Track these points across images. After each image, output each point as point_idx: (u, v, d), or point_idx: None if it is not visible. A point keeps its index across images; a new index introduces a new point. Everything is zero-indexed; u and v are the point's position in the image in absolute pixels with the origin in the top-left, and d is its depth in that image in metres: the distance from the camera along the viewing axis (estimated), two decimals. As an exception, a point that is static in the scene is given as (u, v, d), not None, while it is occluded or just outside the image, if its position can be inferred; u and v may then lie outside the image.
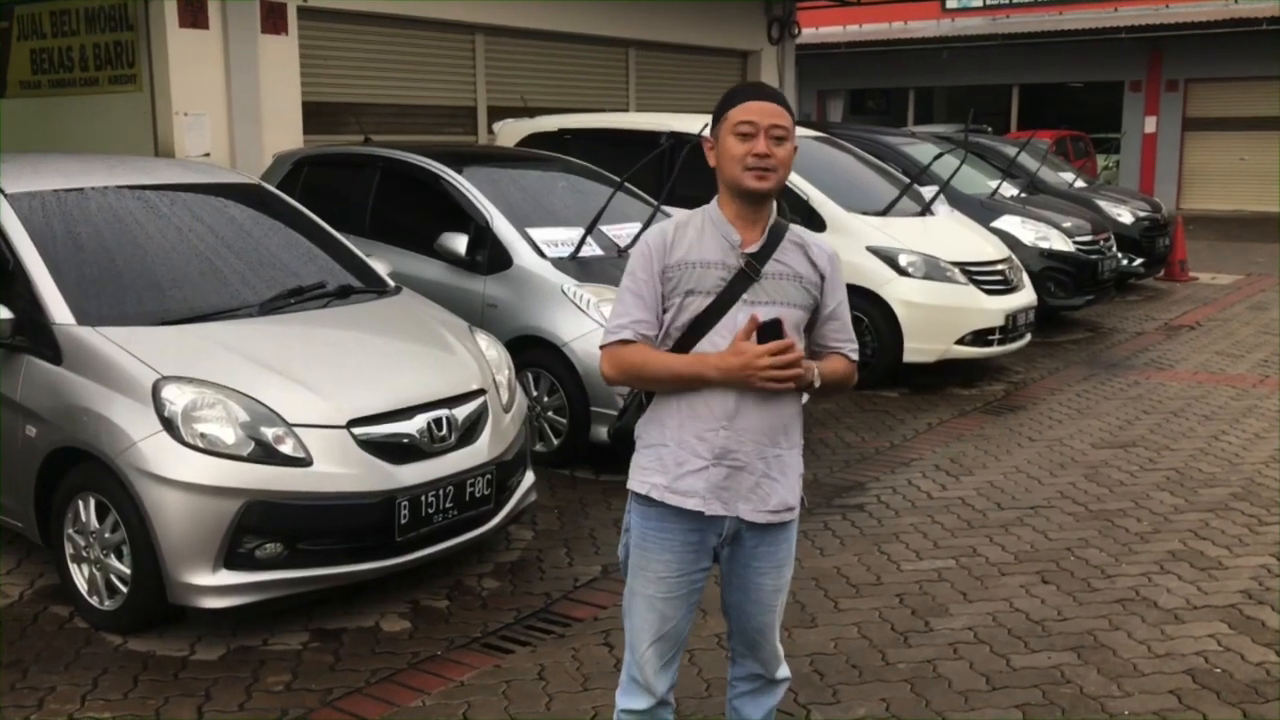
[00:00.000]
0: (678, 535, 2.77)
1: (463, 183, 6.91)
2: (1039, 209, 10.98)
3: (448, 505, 4.46)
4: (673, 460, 2.74)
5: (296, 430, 4.18)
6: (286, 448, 4.15)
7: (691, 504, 2.72)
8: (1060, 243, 10.29)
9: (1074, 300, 10.39)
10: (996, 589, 4.76)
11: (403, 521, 4.30)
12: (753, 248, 2.72)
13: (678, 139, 7.89)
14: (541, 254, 6.52)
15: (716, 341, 2.68)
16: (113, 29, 9.13)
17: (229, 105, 9.04)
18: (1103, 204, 12.60)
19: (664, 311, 2.74)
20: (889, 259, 8.19)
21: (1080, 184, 13.61)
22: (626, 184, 7.09)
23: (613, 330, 2.76)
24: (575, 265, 6.51)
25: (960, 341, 8.20)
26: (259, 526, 4.06)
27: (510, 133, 9.73)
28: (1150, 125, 24.87)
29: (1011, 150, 12.83)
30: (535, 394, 6.31)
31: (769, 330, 2.63)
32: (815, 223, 8.23)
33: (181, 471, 4.03)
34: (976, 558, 5.10)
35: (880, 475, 6.30)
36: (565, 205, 7.17)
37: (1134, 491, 5.99)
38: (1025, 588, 4.76)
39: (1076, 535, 5.36)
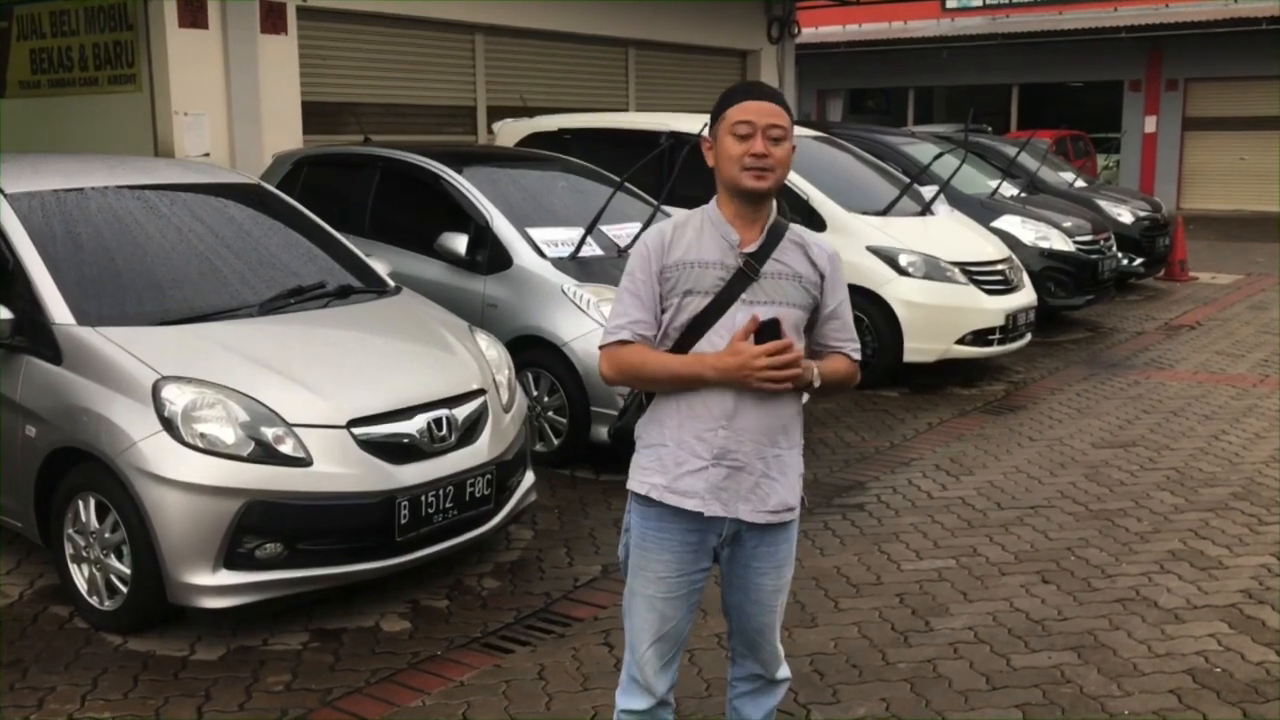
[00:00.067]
0: (677, 535, 2.76)
1: (463, 183, 6.90)
2: (1039, 209, 10.97)
3: (448, 505, 4.46)
4: (672, 460, 2.73)
5: (296, 430, 4.18)
6: (286, 448, 4.15)
7: (690, 504, 2.72)
8: (1060, 242, 10.28)
9: (1074, 300, 10.38)
10: (997, 588, 4.76)
11: (403, 521, 4.30)
12: (751, 247, 2.71)
13: (677, 139, 7.88)
14: (541, 254, 6.52)
15: (715, 341, 2.68)
16: (112, 29, 9.13)
17: (229, 105, 9.04)
18: (1103, 204, 12.59)
19: (663, 312, 2.74)
20: (889, 259, 8.19)
21: (1080, 184, 13.61)
22: (626, 184, 7.09)
23: (611, 331, 2.76)
24: (575, 265, 6.51)
25: (960, 341, 8.20)
26: (259, 526, 4.06)
27: (510, 132, 9.73)
28: (1150, 125, 24.86)
29: (1011, 150, 12.83)
30: (535, 394, 6.31)
31: (767, 330, 2.62)
32: (815, 222, 8.22)
33: (181, 471, 4.03)
34: (977, 557, 5.10)
35: (880, 475, 6.30)
36: (565, 205, 7.16)
37: (1134, 491, 5.99)
38: (1025, 587, 4.76)
39: (1077, 535, 5.36)
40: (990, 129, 17.66)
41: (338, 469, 4.19)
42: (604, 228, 6.76)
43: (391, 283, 5.58)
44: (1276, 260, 15.63)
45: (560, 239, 6.66)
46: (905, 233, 8.46)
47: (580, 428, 6.21)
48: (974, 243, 8.80)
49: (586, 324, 6.08)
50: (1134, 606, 4.57)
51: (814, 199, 8.49)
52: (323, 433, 4.21)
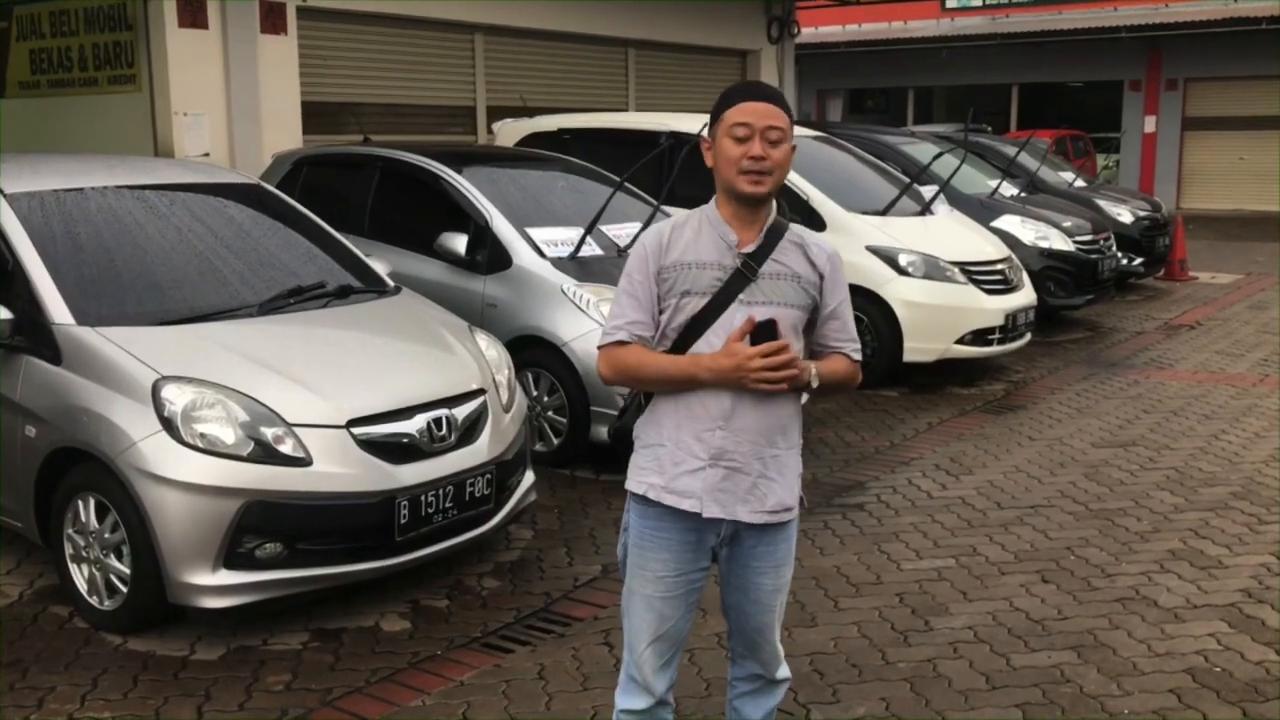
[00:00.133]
0: (676, 535, 2.76)
1: (462, 182, 6.90)
2: (1039, 208, 10.97)
3: (447, 505, 4.46)
4: (669, 460, 2.73)
5: (296, 430, 4.18)
6: (286, 448, 4.15)
7: (688, 505, 2.72)
8: (1060, 242, 10.28)
9: (1074, 300, 10.38)
10: (996, 588, 4.76)
11: (402, 521, 4.30)
12: (749, 248, 2.71)
13: (677, 139, 7.88)
14: (541, 254, 6.52)
15: (713, 342, 2.68)
16: (112, 29, 9.13)
17: (228, 105, 9.04)
18: (1102, 203, 12.59)
19: (661, 312, 2.74)
20: (889, 259, 8.19)
21: (1080, 183, 13.61)
22: (626, 184, 7.09)
23: (609, 331, 2.76)
24: (575, 265, 6.51)
25: (960, 341, 8.20)
26: (259, 526, 4.06)
27: (509, 132, 9.73)
28: (1150, 124, 24.86)
29: (1011, 150, 12.83)
30: (535, 394, 6.31)
31: (763, 331, 2.62)
32: (815, 222, 8.22)
33: (181, 471, 4.03)
34: (976, 557, 5.10)
35: (880, 474, 6.30)
36: (565, 205, 7.16)
37: (1134, 491, 5.99)
38: (1025, 587, 4.76)
39: (1076, 534, 5.36)
40: (990, 129, 17.67)
41: (337, 469, 4.20)
42: (604, 228, 6.76)
43: (391, 283, 5.58)
44: (1276, 260, 15.63)
45: (560, 239, 6.66)
46: (905, 232, 8.46)
47: (580, 427, 6.21)
48: (974, 242, 8.80)
49: (586, 324, 6.08)
50: (1134, 606, 4.57)
51: (814, 199, 8.49)
52: (322, 432, 4.21)
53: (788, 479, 2.79)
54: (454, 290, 6.50)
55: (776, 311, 2.68)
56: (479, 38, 11.54)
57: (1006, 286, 8.52)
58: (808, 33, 20.03)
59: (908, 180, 9.30)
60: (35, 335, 4.47)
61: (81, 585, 4.36)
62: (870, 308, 8.02)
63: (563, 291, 6.30)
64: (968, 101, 20.45)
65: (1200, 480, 6.15)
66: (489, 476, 4.63)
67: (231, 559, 4.06)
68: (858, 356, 2.84)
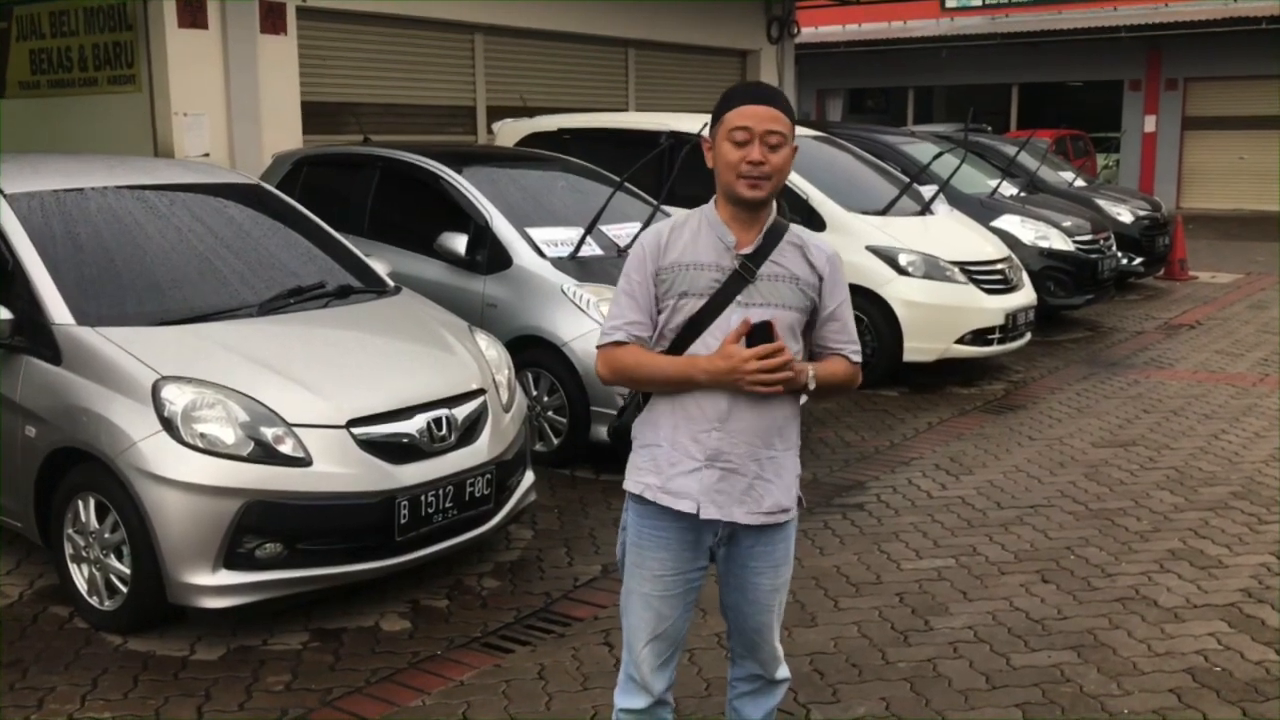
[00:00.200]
0: (673, 534, 2.77)
1: (462, 183, 6.90)
2: (1039, 208, 10.97)
3: (447, 505, 4.46)
4: (666, 461, 2.74)
5: (296, 430, 4.18)
6: (286, 448, 4.15)
7: (683, 505, 2.72)
8: (1060, 242, 10.28)
9: (1074, 299, 10.38)
10: (996, 588, 4.76)
11: (402, 521, 4.30)
12: (748, 249, 2.70)
13: (677, 139, 7.88)
14: (541, 254, 6.52)
15: (710, 343, 2.68)
16: (112, 29, 9.13)
17: (228, 105, 9.05)
18: (1102, 203, 12.59)
19: (659, 313, 2.73)
20: (889, 258, 8.19)
21: (1080, 183, 13.61)
22: (626, 184, 7.09)
23: (607, 332, 2.76)
24: (575, 265, 6.51)
25: (960, 341, 8.20)
26: (259, 526, 4.06)
27: (510, 132, 9.73)
28: (1150, 124, 24.87)
29: (1011, 149, 12.83)
30: (535, 394, 6.31)
31: (759, 333, 2.61)
32: (815, 222, 8.23)
33: (181, 471, 4.03)
34: (976, 556, 5.10)
35: (880, 474, 6.30)
36: (565, 205, 7.16)
37: (1134, 490, 5.99)
38: (1025, 586, 4.76)
39: (1076, 534, 5.36)
40: (990, 128, 17.67)
41: (337, 469, 4.20)
42: (604, 227, 6.76)
43: (391, 283, 5.58)
44: (1276, 259, 15.63)
45: (560, 239, 6.66)
46: (905, 232, 8.46)
47: (580, 427, 6.21)
48: (974, 242, 8.81)
49: (586, 324, 6.08)
50: (1134, 605, 4.57)
51: (814, 199, 8.49)
52: (322, 433, 4.21)
53: (785, 480, 2.78)
54: (454, 290, 6.50)
55: (774, 313, 2.67)
56: (479, 38, 11.54)
57: (1006, 286, 8.52)
58: (808, 33, 20.04)
59: (908, 180, 9.30)
60: (35, 335, 4.47)
61: (81, 585, 4.36)
62: (870, 307, 8.02)
63: (563, 291, 6.30)
64: (968, 101, 20.46)
65: (1200, 480, 6.15)
66: (489, 476, 4.63)
67: (231, 559, 4.06)
68: (857, 358, 2.83)
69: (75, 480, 4.32)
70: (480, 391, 4.78)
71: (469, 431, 4.63)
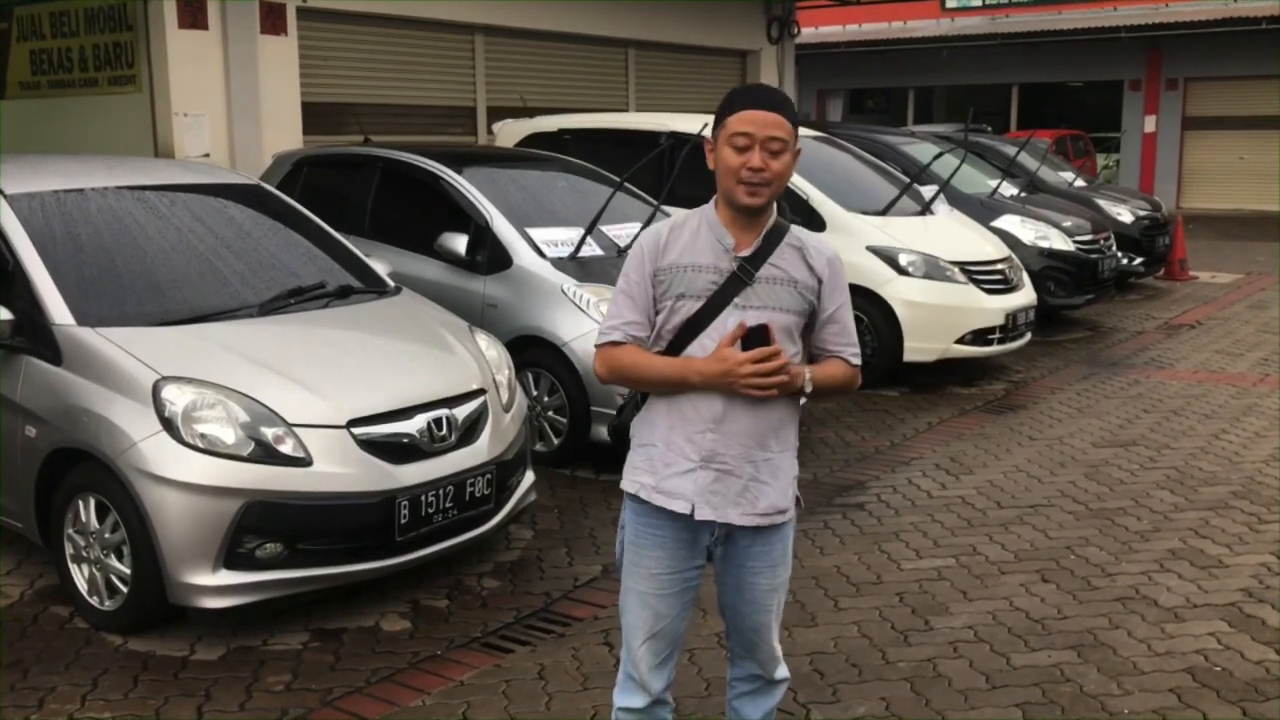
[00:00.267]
0: (670, 532, 2.77)
1: (462, 183, 6.91)
2: (1039, 208, 10.98)
3: (448, 505, 4.46)
4: (661, 461, 2.74)
5: (296, 430, 4.18)
6: (286, 448, 4.15)
7: (678, 506, 2.72)
8: (1060, 242, 10.28)
9: (1074, 299, 10.39)
10: (996, 587, 4.76)
11: (403, 521, 4.30)
12: (747, 251, 2.70)
13: (677, 139, 7.89)
14: (541, 254, 6.52)
15: (706, 345, 2.67)
16: (112, 30, 9.13)
17: (228, 106, 9.05)
18: (1102, 203, 12.59)
19: (656, 313, 2.73)
20: (889, 258, 8.19)
21: (1080, 183, 13.61)
22: (626, 184, 7.09)
23: (604, 331, 2.77)
24: (575, 265, 6.51)
25: (960, 341, 8.20)
26: (259, 526, 4.06)
27: (510, 133, 9.73)
28: (1150, 124, 24.87)
29: (1011, 150, 12.83)
30: (535, 394, 6.32)
31: (754, 336, 2.61)
32: (815, 222, 8.23)
33: (181, 472, 4.03)
34: (976, 556, 5.10)
35: (880, 474, 6.30)
36: (565, 205, 7.17)
37: (1134, 490, 5.99)
38: (1025, 586, 4.76)
39: (1076, 534, 5.36)
40: (990, 129, 17.66)
41: (338, 469, 4.20)
42: (604, 228, 6.77)
43: (391, 283, 5.58)
44: (1276, 259, 15.63)
45: (560, 239, 6.66)
46: (905, 232, 8.46)
47: (580, 427, 6.21)
48: (974, 242, 8.81)
49: (586, 324, 6.08)
50: (1134, 605, 4.57)
51: (814, 199, 8.49)
52: (323, 433, 4.21)
53: (781, 482, 2.78)
54: (454, 290, 6.50)
55: (771, 316, 2.66)
56: (479, 38, 11.54)
57: (1007, 286, 8.53)
58: (808, 33, 20.04)
59: (908, 180, 9.30)
60: (35, 336, 4.47)
61: (82, 585, 4.36)
62: (870, 307, 8.02)
63: (563, 291, 6.31)
64: (968, 101, 20.45)
65: (1200, 480, 6.15)
66: (489, 476, 4.63)
67: (232, 559, 4.06)
68: (856, 361, 2.82)
69: (75, 480, 4.32)
70: (480, 391, 4.78)
71: (469, 431, 4.63)
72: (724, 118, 2.67)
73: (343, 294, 5.26)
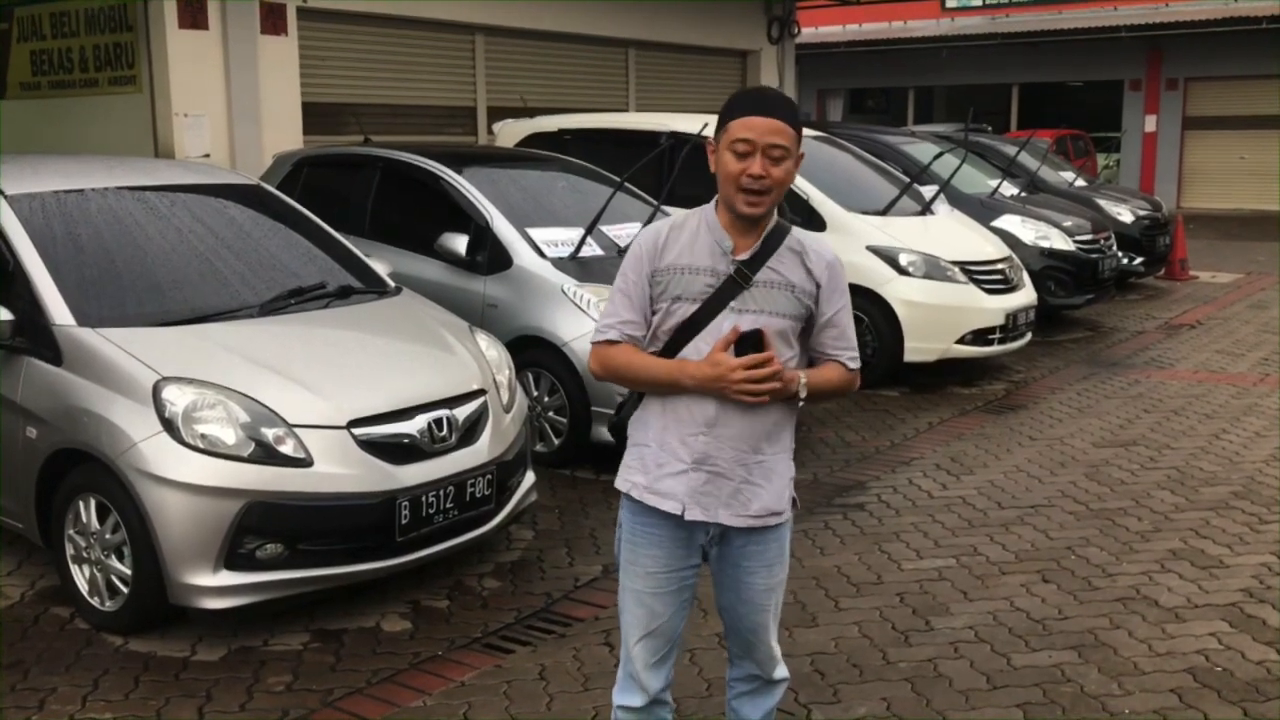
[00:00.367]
0: (665, 531, 2.76)
1: (463, 183, 6.91)
2: (1039, 208, 10.97)
3: (448, 505, 4.46)
4: (653, 461, 2.74)
5: (297, 431, 4.18)
6: (287, 448, 4.15)
7: (669, 506, 2.72)
8: (1061, 242, 10.28)
9: (1074, 299, 10.38)
10: (997, 588, 4.76)
11: (403, 522, 4.30)
12: (745, 255, 2.68)
13: (677, 139, 7.89)
14: (541, 254, 6.52)
15: (702, 348, 2.66)
16: (112, 30, 9.13)
17: (229, 106, 9.05)
18: (1103, 203, 12.59)
19: (653, 314, 2.73)
20: (889, 258, 8.19)
21: (1080, 183, 13.61)
22: (626, 184, 7.09)
23: (601, 329, 2.77)
24: (575, 265, 6.51)
25: (961, 341, 8.20)
26: (259, 527, 4.06)
27: (510, 133, 9.73)
28: (1150, 124, 24.87)
29: (1011, 149, 12.83)
30: (535, 394, 6.32)
31: (748, 341, 2.60)
32: (815, 222, 8.23)
33: (182, 472, 4.03)
34: (977, 556, 5.10)
35: (881, 474, 6.30)
36: (565, 205, 7.17)
37: (1134, 490, 5.99)
38: (1026, 586, 4.76)
39: (1077, 534, 5.36)
40: (990, 128, 17.67)
41: (338, 469, 4.20)
42: (604, 228, 6.77)
43: (391, 283, 5.58)
44: (1276, 259, 15.63)
45: (560, 239, 6.66)
46: (905, 232, 8.46)
47: (580, 428, 6.21)
48: (974, 242, 8.81)
49: (586, 324, 6.07)
50: (1135, 605, 4.57)
51: (814, 199, 8.49)
52: (323, 433, 4.21)
53: (775, 484, 2.76)
54: (454, 290, 6.50)
55: (766, 320, 2.65)
56: (479, 38, 11.54)
57: (1007, 286, 8.52)
58: (808, 33, 20.04)
59: (908, 180, 9.30)
60: (36, 336, 4.47)
61: (82, 586, 4.36)
62: (871, 307, 8.02)
63: (563, 292, 6.31)
64: (968, 101, 20.45)
65: (1201, 480, 6.15)
66: (490, 477, 4.63)
67: (232, 560, 4.06)
68: (854, 365, 2.80)
69: (76, 481, 4.32)
70: (481, 392, 4.78)
71: (469, 432, 4.63)
72: (726, 122, 2.65)
73: (343, 294, 5.26)
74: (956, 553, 5.14)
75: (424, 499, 4.35)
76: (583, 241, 6.64)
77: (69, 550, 4.39)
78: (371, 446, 4.29)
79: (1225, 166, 24.44)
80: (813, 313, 2.75)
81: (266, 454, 4.12)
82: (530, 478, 5.10)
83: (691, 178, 6.50)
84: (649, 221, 6.52)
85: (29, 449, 4.44)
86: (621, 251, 6.61)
